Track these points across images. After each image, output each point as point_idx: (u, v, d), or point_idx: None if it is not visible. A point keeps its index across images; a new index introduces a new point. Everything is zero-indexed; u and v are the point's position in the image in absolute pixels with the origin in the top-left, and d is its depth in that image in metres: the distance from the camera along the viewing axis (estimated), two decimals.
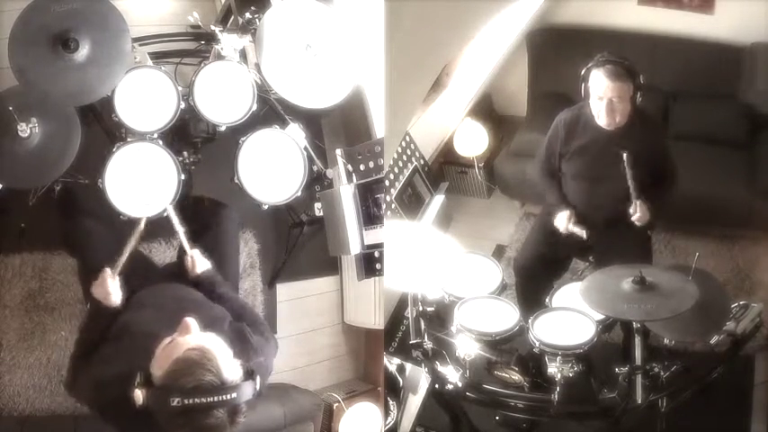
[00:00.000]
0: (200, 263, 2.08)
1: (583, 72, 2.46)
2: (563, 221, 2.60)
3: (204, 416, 1.38)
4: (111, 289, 1.84)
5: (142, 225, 2.03)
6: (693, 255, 2.26)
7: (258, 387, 1.47)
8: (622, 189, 2.52)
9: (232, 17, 2.69)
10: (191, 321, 1.52)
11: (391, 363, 2.40)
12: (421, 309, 2.44)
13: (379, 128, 2.83)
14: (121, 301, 1.86)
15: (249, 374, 1.47)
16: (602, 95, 2.42)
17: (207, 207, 2.41)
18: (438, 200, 3.62)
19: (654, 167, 2.53)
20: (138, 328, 1.71)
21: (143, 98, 2.29)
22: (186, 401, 1.36)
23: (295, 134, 2.50)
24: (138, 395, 1.41)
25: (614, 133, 2.48)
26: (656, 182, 2.55)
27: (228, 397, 1.40)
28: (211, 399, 1.38)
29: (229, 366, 1.44)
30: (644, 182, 2.51)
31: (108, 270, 1.85)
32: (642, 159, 2.48)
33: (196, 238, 2.36)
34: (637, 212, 2.45)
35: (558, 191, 2.67)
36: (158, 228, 2.68)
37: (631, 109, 2.44)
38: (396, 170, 3.45)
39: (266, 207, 2.44)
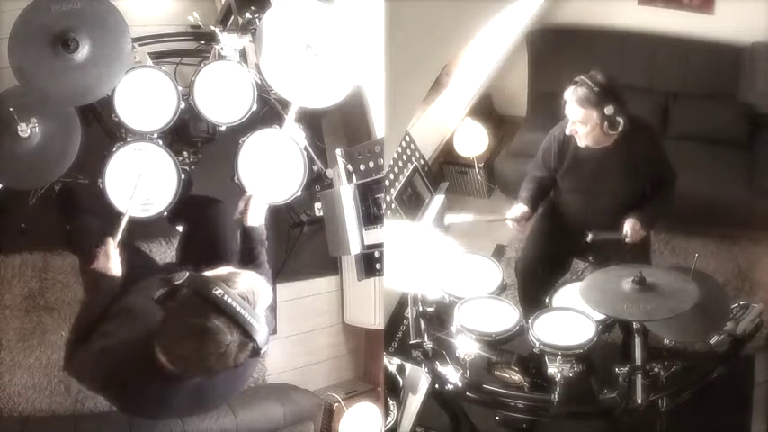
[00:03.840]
0: (253, 214, 2.14)
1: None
2: (515, 213, 2.59)
3: (222, 323, 1.41)
4: (113, 259, 1.94)
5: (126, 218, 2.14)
6: (693, 255, 2.27)
7: (264, 349, 1.51)
8: (615, 203, 2.55)
9: (232, 17, 2.69)
10: None
11: (391, 363, 2.40)
12: (421, 309, 2.44)
13: (379, 128, 2.83)
14: (121, 286, 1.92)
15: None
16: (568, 115, 2.42)
17: (201, 204, 2.42)
18: (438, 200, 3.62)
19: (652, 175, 2.54)
20: (137, 307, 1.74)
21: (143, 98, 2.29)
22: (224, 297, 1.41)
23: (295, 134, 2.50)
24: (182, 274, 1.47)
25: (606, 149, 2.47)
26: (655, 188, 2.55)
27: (252, 323, 1.44)
28: (242, 311, 1.43)
29: (264, 310, 1.51)
30: (644, 191, 2.53)
31: (111, 239, 1.97)
32: (638, 169, 2.49)
33: (192, 235, 2.37)
34: (628, 232, 2.47)
35: (528, 192, 2.64)
36: (158, 228, 2.69)
37: (602, 134, 2.40)
38: (396, 170, 3.45)
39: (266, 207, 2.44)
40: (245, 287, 1.47)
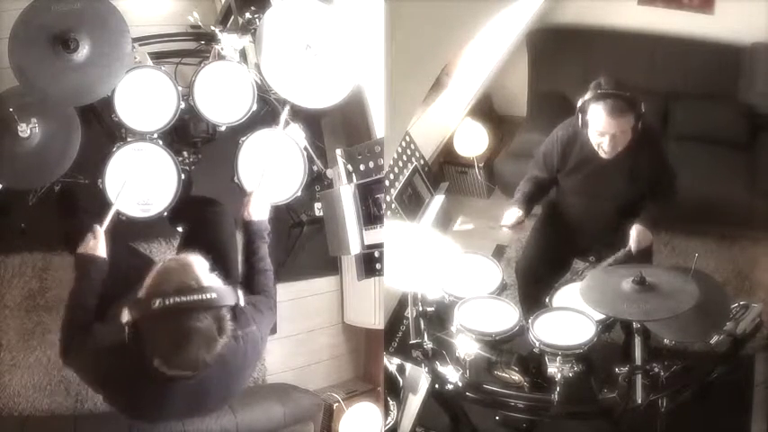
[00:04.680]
0: (255, 208, 2.13)
1: (580, 103, 2.37)
2: (510, 219, 2.54)
3: (188, 318, 1.43)
4: (101, 242, 1.97)
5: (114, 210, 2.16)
6: (693, 255, 2.27)
7: (241, 300, 1.53)
8: (615, 205, 2.55)
9: (232, 17, 2.69)
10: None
11: (391, 363, 2.40)
12: (421, 309, 2.44)
13: (379, 128, 2.83)
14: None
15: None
16: (603, 131, 2.35)
17: (201, 205, 2.42)
18: (438, 200, 3.62)
19: (653, 178, 2.53)
20: None
21: (143, 98, 2.29)
22: (167, 302, 1.42)
23: (295, 134, 2.50)
24: (125, 312, 1.47)
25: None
26: (656, 191, 2.55)
27: (208, 296, 1.45)
28: (192, 298, 1.44)
29: (208, 275, 1.53)
30: (644, 194, 2.53)
31: (98, 227, 2.00)
32: (641, 174, 2.48)
33: (192, 236, 2.37)
34: (637, 242, 2.45)
35: (523, 194, 2.61)
36: (158, 228, 2.68)
37: (632, 137, 2.38)
38: (396, 170, 3.45)
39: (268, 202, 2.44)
40: (179, 275, 1.49)
